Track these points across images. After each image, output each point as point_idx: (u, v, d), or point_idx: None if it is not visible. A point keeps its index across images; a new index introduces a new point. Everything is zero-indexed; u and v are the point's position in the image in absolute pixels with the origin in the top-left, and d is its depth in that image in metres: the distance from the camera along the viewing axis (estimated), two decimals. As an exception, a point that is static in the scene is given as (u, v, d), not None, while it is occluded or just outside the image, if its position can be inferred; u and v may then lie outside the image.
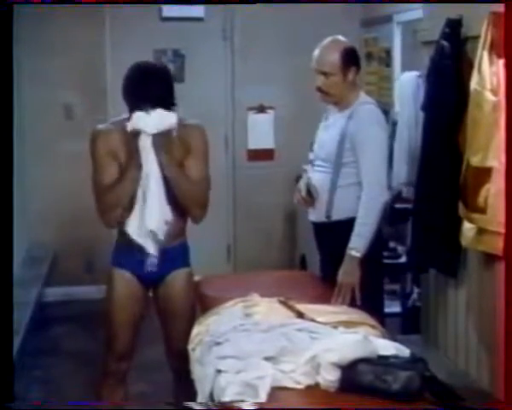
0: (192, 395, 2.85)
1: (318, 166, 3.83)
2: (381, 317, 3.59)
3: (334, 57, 3.71)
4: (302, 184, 3.85)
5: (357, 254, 3.59)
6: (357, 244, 3.60)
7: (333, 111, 3.86)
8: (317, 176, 3.81)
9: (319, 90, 3.78)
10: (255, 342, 2.77)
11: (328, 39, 3.80)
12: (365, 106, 3.76)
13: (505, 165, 2.88)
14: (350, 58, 3.75)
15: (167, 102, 3.26)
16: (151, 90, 3.23)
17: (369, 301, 3.55)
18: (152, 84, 3.25)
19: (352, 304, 3.54)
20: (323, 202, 3.77)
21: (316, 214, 3.85)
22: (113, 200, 3.28)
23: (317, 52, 3.78)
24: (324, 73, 3.73)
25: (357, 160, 3.67)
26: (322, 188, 3.77)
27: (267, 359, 2.67)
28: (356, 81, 3.81)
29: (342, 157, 3.69)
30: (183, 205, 3.35)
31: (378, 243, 3.79)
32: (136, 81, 3.27)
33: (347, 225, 3.64)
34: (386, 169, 3.75)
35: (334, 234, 3.74)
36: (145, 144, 3.21)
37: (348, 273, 3.61)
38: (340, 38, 3.83)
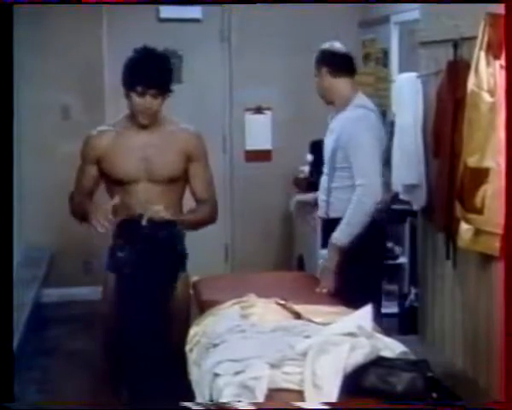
0: (186, 397, 2.85)
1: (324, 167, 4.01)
2: (378, 317, 3.59)
3: (315, 59, 3.88)
4: None
5: (338, 243, 3.75)
6: (340, 236, 3.76)
7: (334, 113, 3.96)
8: (323, 177, 4.00)
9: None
10: (254, 347, 2.75)
11: None
12: (356, 111, 3.84)
13: (505, 165, 2.88)
14: (320, 58, 3.86)
15: (163, 87, 3.33)
16: (148, 72, 3.33)
17: (367, 301, 3.56)
18: (151, 66, 3.33)
19: (350, 304, 3.55)
20: (323, 202, 3.96)
21: (320, 211, 4.06)
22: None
23: None
24: (315, 75, 3.90)
25: (350, 165, 3.79)
26: (323, 188, 3.97)
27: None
28: (347, 82, 3.88)
29: (335, 162, 3.85)
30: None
31: (379, 243, 3.94)
32: (136, 62, 3.37)
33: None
34: (379, 173, 3.82)
35: (333, 230, 3.86)
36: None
37: (327, 258, 3.83)
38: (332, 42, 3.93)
